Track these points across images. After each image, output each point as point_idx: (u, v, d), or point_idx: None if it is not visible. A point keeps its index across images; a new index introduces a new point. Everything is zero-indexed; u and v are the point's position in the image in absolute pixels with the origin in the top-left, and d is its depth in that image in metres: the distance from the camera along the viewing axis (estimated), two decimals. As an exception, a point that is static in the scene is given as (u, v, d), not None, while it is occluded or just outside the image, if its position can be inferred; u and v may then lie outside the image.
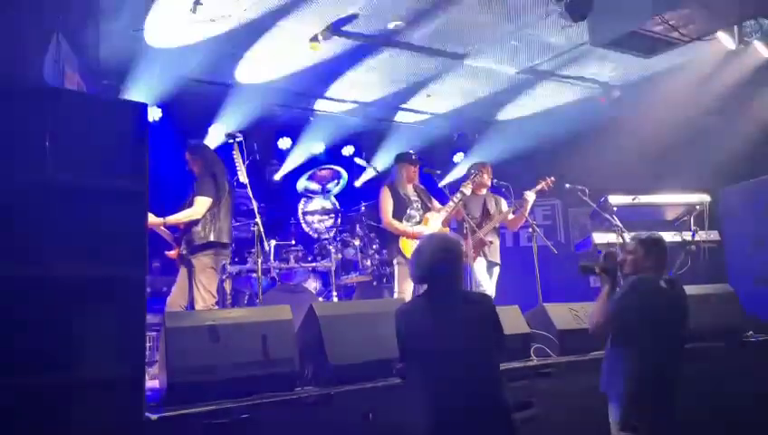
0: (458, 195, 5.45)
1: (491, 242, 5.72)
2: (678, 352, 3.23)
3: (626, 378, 3.11)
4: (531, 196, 5.78)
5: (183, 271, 4.90)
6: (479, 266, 5.65)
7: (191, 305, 4.87)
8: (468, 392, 2.61)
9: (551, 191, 6.06)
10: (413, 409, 2.70)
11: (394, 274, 5.47)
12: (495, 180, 5.94)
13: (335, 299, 6.08)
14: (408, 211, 5.48)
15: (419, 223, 5.46)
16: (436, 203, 5.66)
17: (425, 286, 2.88)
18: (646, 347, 3.12)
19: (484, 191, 5.94)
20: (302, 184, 6.70)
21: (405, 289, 5.30)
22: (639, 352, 3.12)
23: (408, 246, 5.32)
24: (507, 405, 2.68)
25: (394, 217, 5.42)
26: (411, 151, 6.02)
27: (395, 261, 5.42)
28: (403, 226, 5.39)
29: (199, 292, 4.75)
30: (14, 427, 2.40)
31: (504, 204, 6.03)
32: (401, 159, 5.70)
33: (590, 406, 3.34)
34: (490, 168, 5.95)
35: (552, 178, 5.91)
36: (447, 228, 5.70)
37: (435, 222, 5.46)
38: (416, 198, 5.58)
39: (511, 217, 5.89)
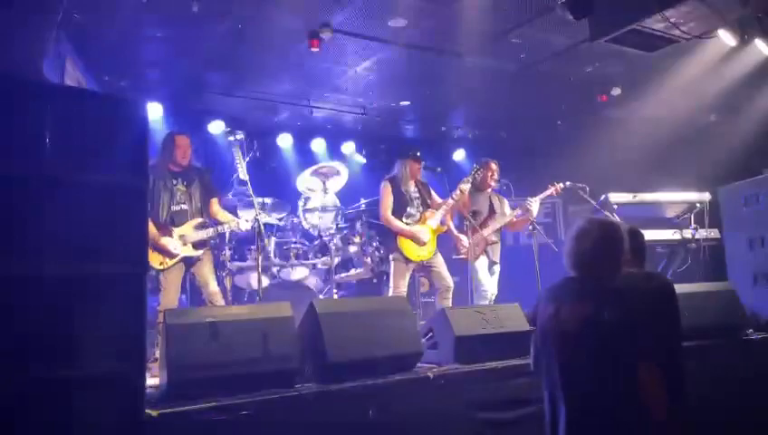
0: (456, 193, 5.42)
1: (494, 241, 5.72)
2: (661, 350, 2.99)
3: None
4: (535, 204, 5.75)
5: (177, 274, 4.82)
6: (481, 265, 5.65)
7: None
8: (586, 390, 2.47)
9: (550, 189, 6.04)
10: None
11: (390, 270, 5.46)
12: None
13: (335, 296, 6.08)
14: (407, 209, 5.47)
15: (419, 221, 5.45)
16: (435, 198, 5.65)
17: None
18: None
19: (490, 189, 5.93)
20: (303, 181, 6.67)
21: (400, 285, 5.30)
22: None
23: (405, 244, 5.31)
24: (625, 417, 2.43)
25: (393, 213, 5.41)
26: (415, 148, 6.01)
27: (391, 257, 5.41)
28: (400, 223, 5.37)
29: (215, 281, 5.00)
30: (14, 425, 2.40)
31: (506, 204, 6.02)
32: (404, 155, 5.69)
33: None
34: (494, 165, 5.94)
35: (561, 185, 5.87)
36: (451, 224, 5.69)
37: (432, 221, 5.45)
38: (416, 195, 5.57)
39: (513, 220, 5.88)
